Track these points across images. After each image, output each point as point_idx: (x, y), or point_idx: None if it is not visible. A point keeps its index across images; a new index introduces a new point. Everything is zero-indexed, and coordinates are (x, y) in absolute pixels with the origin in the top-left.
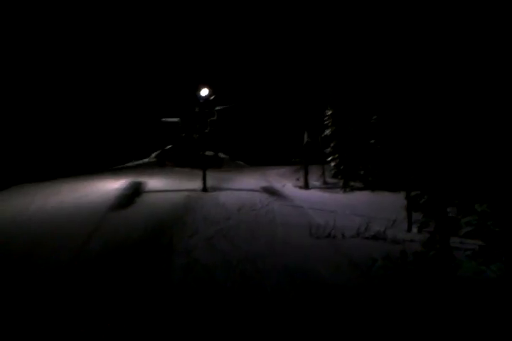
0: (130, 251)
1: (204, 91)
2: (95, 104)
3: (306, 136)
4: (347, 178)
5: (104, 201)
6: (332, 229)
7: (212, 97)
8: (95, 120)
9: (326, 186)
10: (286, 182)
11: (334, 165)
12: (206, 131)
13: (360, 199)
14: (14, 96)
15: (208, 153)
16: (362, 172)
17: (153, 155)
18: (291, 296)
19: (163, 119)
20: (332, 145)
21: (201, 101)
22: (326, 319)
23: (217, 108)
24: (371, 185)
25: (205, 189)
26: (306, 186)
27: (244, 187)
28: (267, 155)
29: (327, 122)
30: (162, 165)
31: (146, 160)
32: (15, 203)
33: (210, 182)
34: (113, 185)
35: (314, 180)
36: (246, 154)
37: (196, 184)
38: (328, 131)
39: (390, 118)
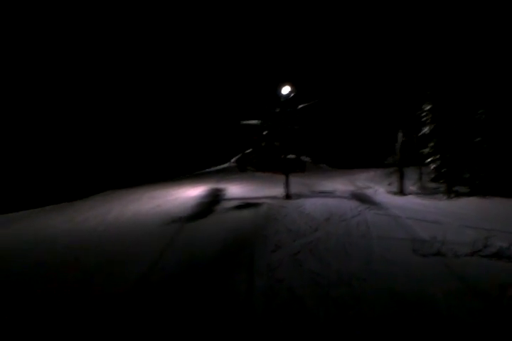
0: (206, 270)
1: (285, 89)
2: (177, 110)
3: (400, 134)
4: (450, 182)
5: (181, 211)
6: (441, 245)
7: (293, 95)
8: (179, 126)
9: (425, 192)
10: (377, 188)
11: (434, 168)
12: (288, 132)
13: (469, 207)
14: (100, 104)
15: (289, 156)
16: (467, 175)
17: (234, 159)
18: (404, 334)
19: (243, 122)
20: (431, 145)
21: (282, 99)
22: None
23: (300, 106)
24: (479, 189)
25: (288, 196)
26: (402, 192)
27: (331, 194)
28: (353, 157)
29: (425, 119)
30: (243, 170)
31: (226, 165)
32: (94, 213)
33: (293, 188)
34: (192, 193)
35: (410, 185)
36: (329, 156)
37: (278, 190)
38: (426, 129)
39: (499, 112)
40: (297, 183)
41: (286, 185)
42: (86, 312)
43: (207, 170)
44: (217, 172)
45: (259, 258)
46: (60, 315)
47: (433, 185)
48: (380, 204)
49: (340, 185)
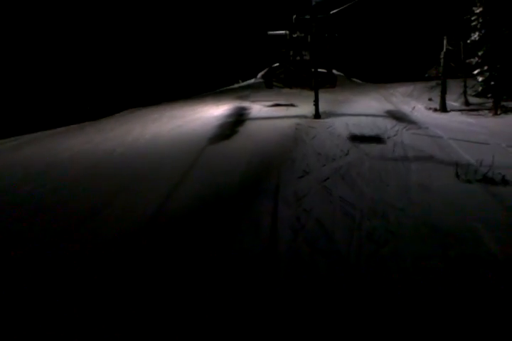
0: (228, 198)
1: None
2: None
3: (445, 42)
4: (499, 97)
5: (203, 132)
6: (488, 170)
7: None
8: (201, 39)
9: (469, 108)
10: (415, 104)
11: (482, 80)
12: (319, 42)
13: None
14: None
15: (320, 70)
16: None
17: (260, 75)
18: (447, 280)
19: (270, 32)
20: (480, 53)
21: (313, 3)
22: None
23: (333, 11)
24: None
25: (317, 115)
26: (443, 108)
27: (364, 112)
28: (390, 70)
29: (474, 23)
30: (269, 86)
31: (252, 80)
32: (114, 133)
33: (323, 106)
34: (215, 112)
35: (452, 101)
36: (363, 69)
37: (307, 108)
38: (475, 36)
39: None
40: (328, 100)
41: (316, 102)
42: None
43: (231, 86)
44: (243, 88)
45: (286, 185)
46: (57, 262)
47: (478, 100)
48: (418, 122)
49: (374, 101)
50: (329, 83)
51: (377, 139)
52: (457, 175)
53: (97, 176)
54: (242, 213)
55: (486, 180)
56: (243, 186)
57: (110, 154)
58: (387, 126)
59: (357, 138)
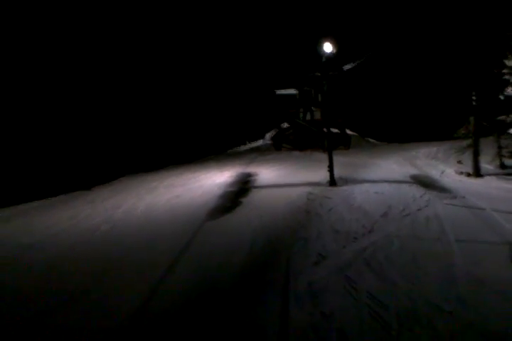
0: (225, 293)
1: (327, 47)
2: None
3: (474, 97)
4: None
5: (203, 203)
6: None
7: (335, 53)
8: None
9: (505, 171)
10: (443, 168)
11: None
12: (331, 102)
13: None
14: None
15: (332, 130)
16: None
17: (268, 136)
18: None
19: (278, 92)
20: None
21: (324, 60)
22: None
23: (346, 67)
24: None
25: (333, 182)
26: (477, 173)
27: (386, 177)
28: (407, 129)
29: (507, 77)
30: (278, 148)
31: (259, 142)
32: (104, 206)
33: (338, 171)
34: (217, 179)
35: (486, 163)
36: (378, 128)
37: (320, 174)
38: (508, 90)
39: None
40: (343, 164)
41: (330, 167)
42: None
43: (237, 148)
44: (249, 151)
45: (298, 275)
46: None
47: None
48: (451, 190)
49: (395, 164)
50: (343, 144)
51: (405, 211)
52: None
53: (72, 261)
54: (241, 316)
55: None
56: (245, 276)
57: (93, 233)
58: (415, 194)
59: (381, 210)
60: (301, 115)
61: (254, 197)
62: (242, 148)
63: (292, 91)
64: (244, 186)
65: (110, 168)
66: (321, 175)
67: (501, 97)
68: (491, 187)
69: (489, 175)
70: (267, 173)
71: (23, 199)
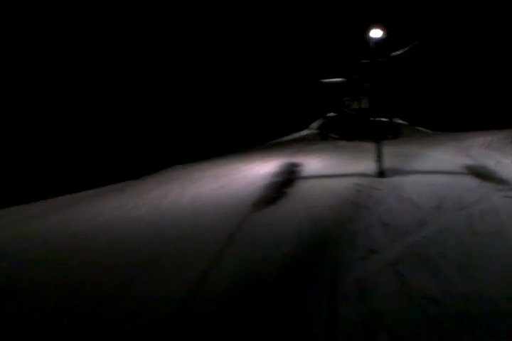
0: (269, 289)
1: (375, 32)
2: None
3: None
4: None
5: (247, 194)
6: None
7: (384, 38)
8: (251, 87)
9: None
10: (499, 158)
11: None
12: (380, 89)
13: None
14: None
15: (381, 119)
16: None
17: (314, 125)
18: None
19: (324, 80)
20: None
21: (371, 46)
22: None
23: (394, 53)
24: None
25: (381, 173)
26: None
27: (437, 168)
28: (462, 117)
29: None
30: (325, 138)
31: (304, 132)
32: (149, 197)
33: (387, 162)
34: (262, 169)
35: None
36: (430, 116)
37: (368, 165)
38: None
39: None
40: (392, 154)
41: (379, 157)
42: None
43: (282, 138)
44: (294, 141)
45: (345, 270)
46: None
47: None
48: (508, 181)
49: (448, 155)
50: (391, 134)
51: (460, 204)
52: None
53: (114, 253)
54: (287, 311)
55: None
56: (291, 270)
57: (138, 223)
58: (470, 186)
59: (433, 203)
60: (348, 104)
61: (300, 188)
62: (286, 138)
63: (339, 79)
64: (289, 177)
65: (157, 158)
66: (369, 165)
67: None
68: None
69: None
70: (312, 164)
71: (73, 189)
